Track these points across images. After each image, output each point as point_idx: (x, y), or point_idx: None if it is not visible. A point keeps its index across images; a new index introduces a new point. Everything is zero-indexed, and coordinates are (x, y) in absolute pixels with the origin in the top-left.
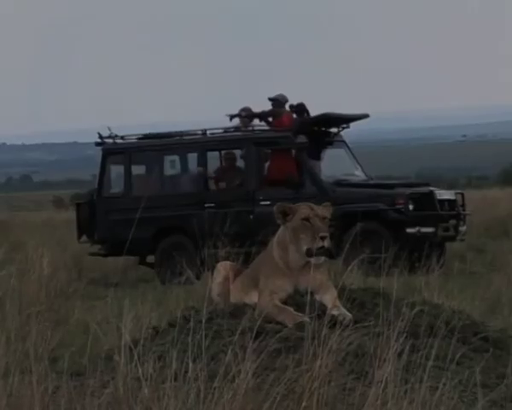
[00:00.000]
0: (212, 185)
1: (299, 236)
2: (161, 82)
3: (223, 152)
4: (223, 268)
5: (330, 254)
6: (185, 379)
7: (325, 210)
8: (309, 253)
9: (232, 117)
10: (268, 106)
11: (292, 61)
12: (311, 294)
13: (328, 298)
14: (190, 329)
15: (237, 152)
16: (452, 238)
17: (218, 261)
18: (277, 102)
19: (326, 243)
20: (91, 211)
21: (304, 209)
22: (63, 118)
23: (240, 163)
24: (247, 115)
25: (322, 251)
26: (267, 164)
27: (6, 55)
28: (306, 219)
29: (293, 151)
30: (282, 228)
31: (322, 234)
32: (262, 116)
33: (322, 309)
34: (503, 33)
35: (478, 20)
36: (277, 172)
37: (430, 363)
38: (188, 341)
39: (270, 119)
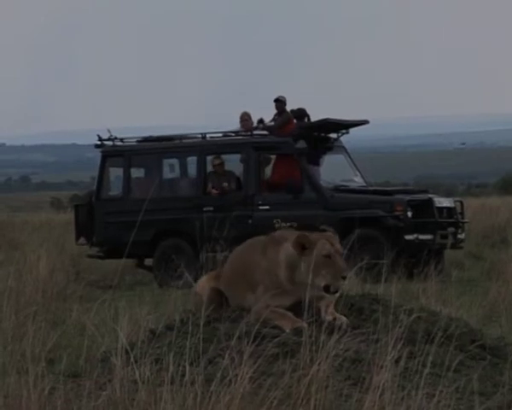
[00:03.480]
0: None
1: (321, 272)
2: (162, 85)
3: (210, 158)
4: (201, 289)
5: None
6: (182, 383)
7: (338, 242)
8: (327, 289)
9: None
10: (271, 107)
11: (291, 66)
12: (309, 300)
13: (323, 303)
14: (188, 332)
15: (231, 157)
16: (450, 246)
17: (216, 265)
18: (282, 102)
19: (347, 282)
20: (90, 213)
21: (325, 245)
22: (63, 119)
23: (231, 167)
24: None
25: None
26: (267, 168)
27: (5, 56)
28: (328, 256)
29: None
30: (291, 249)
31: (345, 274)
32: (274, 129)
33: (318, 313)
34: (504, 42)
35: (477, 29)
36: (279, 177)
37: (427, 370)
38: (185, 344)
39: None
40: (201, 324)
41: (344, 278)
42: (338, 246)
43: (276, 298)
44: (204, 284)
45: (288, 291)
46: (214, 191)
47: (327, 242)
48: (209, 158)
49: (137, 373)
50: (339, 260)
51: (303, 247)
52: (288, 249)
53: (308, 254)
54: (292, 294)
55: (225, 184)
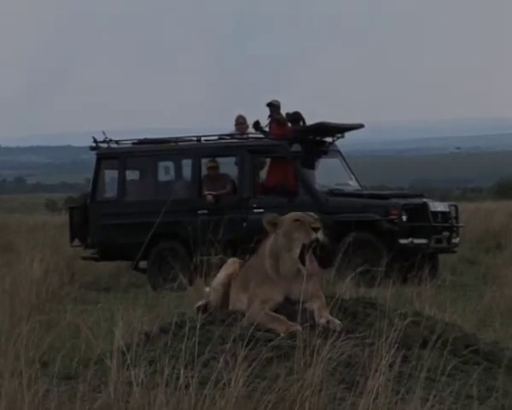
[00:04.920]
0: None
1: (293, 235)
2: (157, 88)
3: (205, 161)
4: (232, 263)
5: (324, 261)
6: (177, 386)
7: (315, 216)
8: (303, 252)
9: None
10: (263, 111)
11: (288, 68)
12: (302, 302)
13: (316, 306)
14: (182, 335)
15: (226, 160)
16: (445, 250)
17: (210, 268)
18: (276, 106)
19: (320, 236)
20: (84, 215)
21: (295, 214)
22: (58, 121)
23: (226, 170)
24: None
25: (316, 247)
26: (262, 171)
27: (1, 56)
28: (297, 219)
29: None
30: (273, 237)
31: (314, 225)
32: (274, 121)
33: (312, 317)
34: (500, 47)
35: (473, 33)
36: (274, 181)
37: (421, 374)
38: (179, 347)
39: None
40: (197, 326)
41: (315, 229)
42: (311, 214)
43: (266, 290)
44: (234, 264)
45: (277, 283)
46: (210, 197)
47: (298, 212)
48: (204, 161)
49: (132, 375)
50: (308, 218)
51: (274, 224)
52: (270, 240)
53: (280, 226)
54: (280, 286)
55: (223, 191)
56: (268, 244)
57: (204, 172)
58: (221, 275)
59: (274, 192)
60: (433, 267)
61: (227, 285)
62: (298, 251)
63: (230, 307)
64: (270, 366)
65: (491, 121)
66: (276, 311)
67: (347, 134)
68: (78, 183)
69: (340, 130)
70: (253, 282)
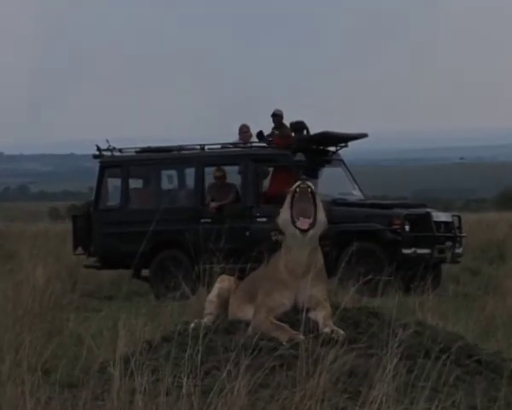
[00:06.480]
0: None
1: (286, 205)
2: (161, 96)
3: (208, 169)
4: (227, 279)
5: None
6: (179, 394)
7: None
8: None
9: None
10: (268, 122)
11: (290, 76)
12: (307, 311)
13: (321, 316)
14: (185, 344)
15: (229, 168)
16: (448, 260)
17: (212, 277)
18: (279, 116)
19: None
20: (87, 223)
21: None
22: (61, 129)
23: (232, 179)
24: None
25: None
26: (265, 180)
27: (4, 65)
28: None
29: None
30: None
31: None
32: (276, 136)
33: (316, 327)
34: (504, 58)
35: (480, 46)
36: (277, 190)
37: (424, 384)
38: (182, 356)
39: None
40: (201, 335)
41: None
42: None
43: (275, 297)
44: (229, 279)
45: (287, 285)
46: (212, 205)
47: None
48: (207, 170)
49: (135, 384)
50: None
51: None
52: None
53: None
54: (291, 287)
55: (225, 201)
56: (283, 245)
57: (207, 180)
58: (215, 288)
59: (277, 201)
60: (435, 277)
61: (222, 298)
62: (289, 212)
63: (230, 318)
64: (273, 376)
65: (494, 132)
66: (280, 320)
67: (351, 143)
68: (81, 191)
69: (343, 139)
70: (261, 290)
